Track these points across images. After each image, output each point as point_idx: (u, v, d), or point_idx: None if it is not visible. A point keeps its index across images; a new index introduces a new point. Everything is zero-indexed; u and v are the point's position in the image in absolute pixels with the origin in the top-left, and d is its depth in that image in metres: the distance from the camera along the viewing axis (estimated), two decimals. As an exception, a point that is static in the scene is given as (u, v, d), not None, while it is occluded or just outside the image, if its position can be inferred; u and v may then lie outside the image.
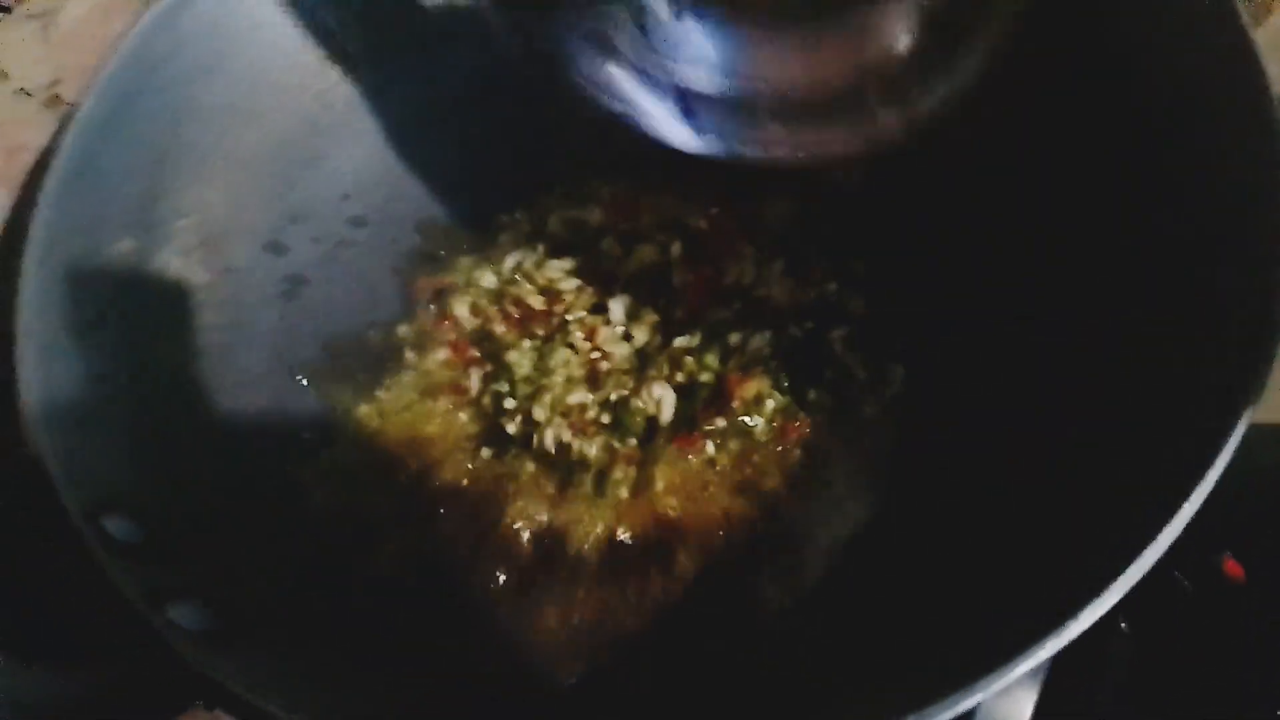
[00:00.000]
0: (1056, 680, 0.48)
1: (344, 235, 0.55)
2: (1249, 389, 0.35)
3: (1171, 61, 0.42)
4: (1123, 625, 0.52)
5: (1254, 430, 0.63)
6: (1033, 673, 0.46)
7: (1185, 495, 0.35)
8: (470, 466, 0.50)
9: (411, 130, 0.57)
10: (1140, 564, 0.34)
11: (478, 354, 0.53)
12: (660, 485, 0.48)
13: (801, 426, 0.50)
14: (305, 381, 0.51)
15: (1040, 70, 0.46)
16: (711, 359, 0.52)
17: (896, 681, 0.35)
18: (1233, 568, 0.51)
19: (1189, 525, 0.53)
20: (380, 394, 0.53)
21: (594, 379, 0.51)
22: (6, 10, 0.55)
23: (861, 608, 0.43)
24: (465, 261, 0.57)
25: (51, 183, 0.45)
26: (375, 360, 0.54)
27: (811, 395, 0.50)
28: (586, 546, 0.47)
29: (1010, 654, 0.32)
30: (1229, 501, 0.57)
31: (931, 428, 0.48)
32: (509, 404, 0.51)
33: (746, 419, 0.49)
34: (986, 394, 0.47)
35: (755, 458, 0.49)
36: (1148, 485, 0.36)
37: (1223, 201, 0.40)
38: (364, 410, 0.52)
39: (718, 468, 0.49)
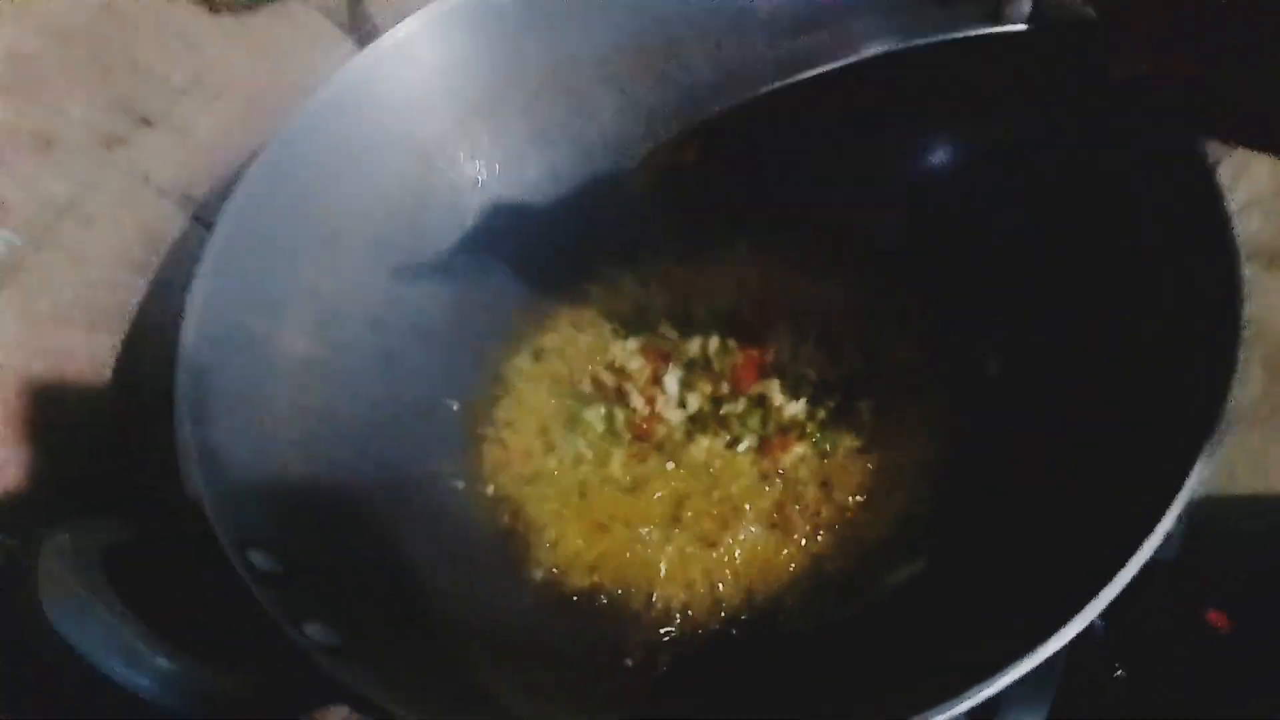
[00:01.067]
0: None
1: (435, 315, 0.63)
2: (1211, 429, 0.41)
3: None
4: (1119, 671, 0.57)
5: (1230, 500, 0.70)
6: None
7: (1156, 521, 0.40)
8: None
9: (498, 224, 0.66)
10: (1127, 570, 0.39)
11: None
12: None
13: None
14: (402, 443, 0.59)
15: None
16: (754, 423, 0.59)
17: (902, 684, 0.41)
18: (1217, 619, 0.56)
19: (1179, 582, 0.59)
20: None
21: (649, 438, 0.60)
22: (150, 123, 0.64)
23: (873, 619, 0.51)
24: (545, 340, 0.66)
25: (203, 270, 0.53)
26: (467, 430, 0.62)
27: (845, 449, 0.58)
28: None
29: (1002, 664, 0.38)
30: (1214, 562, 0.63)
31: (955, 474, 0.56)
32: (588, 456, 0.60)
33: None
34: (994, 443, 0.54)
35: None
36: (1128, 514, 0.41)
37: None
38: (456, 468, 0.60)
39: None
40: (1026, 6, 0.54)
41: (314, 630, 0.42)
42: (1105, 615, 0.57)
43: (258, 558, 0.45)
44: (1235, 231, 0.46)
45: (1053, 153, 0.55)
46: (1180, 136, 0.48)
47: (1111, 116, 0.48)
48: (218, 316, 0.53)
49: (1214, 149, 0.51)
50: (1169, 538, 0.64)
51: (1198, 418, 0.42)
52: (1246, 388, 0.83)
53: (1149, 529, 0.39)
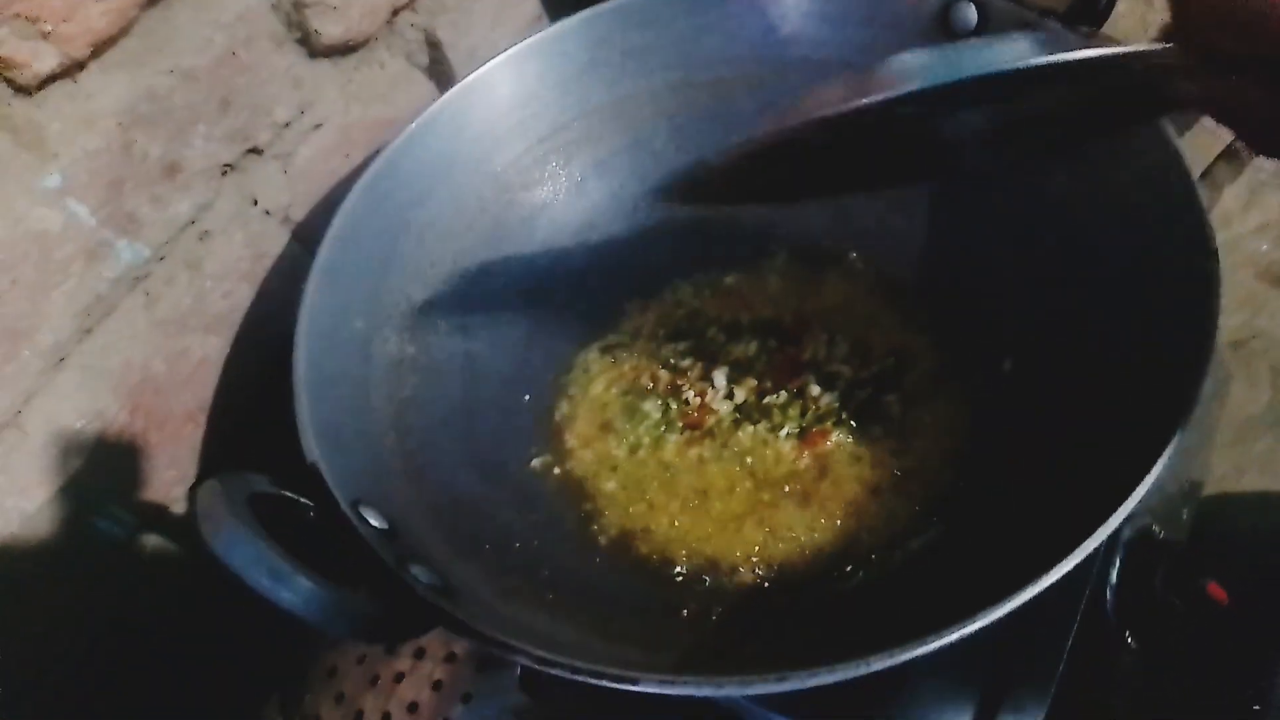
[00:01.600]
0: (1069, 691, 0.59)
1: (511, 320, 0.71)
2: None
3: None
4: (1130, 641, 0.63)
5: (1239, 498, 0.75)
6: (1043, 684, 0.58)
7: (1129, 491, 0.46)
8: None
9: (565, 241, 0.74)
10: (1107, 527, 0.44)
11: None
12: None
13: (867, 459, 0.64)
14: (483, 427, 0.67)
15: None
16: (794, 412, 0.67)
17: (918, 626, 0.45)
18: (1216, 591, 0.62)
19: (1187, 561, 0.65)
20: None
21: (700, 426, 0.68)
22: (259, 152, 0.72)
23: (897, 576, 0.58)
24: (608, 341, 0.74)
25: (312, 280, 0.61)
26: (538, 420, 0.70)
27: (876, 436, 0.65)
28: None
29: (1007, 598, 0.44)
30: (1220, 547, 0.69)
31: (970, 456, 0.63)
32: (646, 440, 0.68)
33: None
34: (1005, 429, 0.61)
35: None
36: (1111, 486, 0.46)
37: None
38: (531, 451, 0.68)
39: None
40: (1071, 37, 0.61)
41: (417, 571, 0.50)
42: (1115, 588, 0.63)
43: (368, 514, 0.52)
44: (1212, 243, 0.52)
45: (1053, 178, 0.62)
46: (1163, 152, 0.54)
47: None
48: (326, 316, 0.61)
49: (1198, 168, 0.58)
50: (1179, 521, 0.70)
51: (1173, 406, 0.47)
52: (1257, 396, 0.89)
53: (1123, 499, 0.45)
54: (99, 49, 0.58)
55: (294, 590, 0.43)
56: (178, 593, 0.68)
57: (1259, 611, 0.63)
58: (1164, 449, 0.47)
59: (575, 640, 0.52)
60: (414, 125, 0.68)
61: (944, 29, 0.65)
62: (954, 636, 0.43)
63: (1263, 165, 0.91)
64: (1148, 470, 0.45)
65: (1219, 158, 0.79)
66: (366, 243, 0.65)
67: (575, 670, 0.44)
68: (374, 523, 0.52)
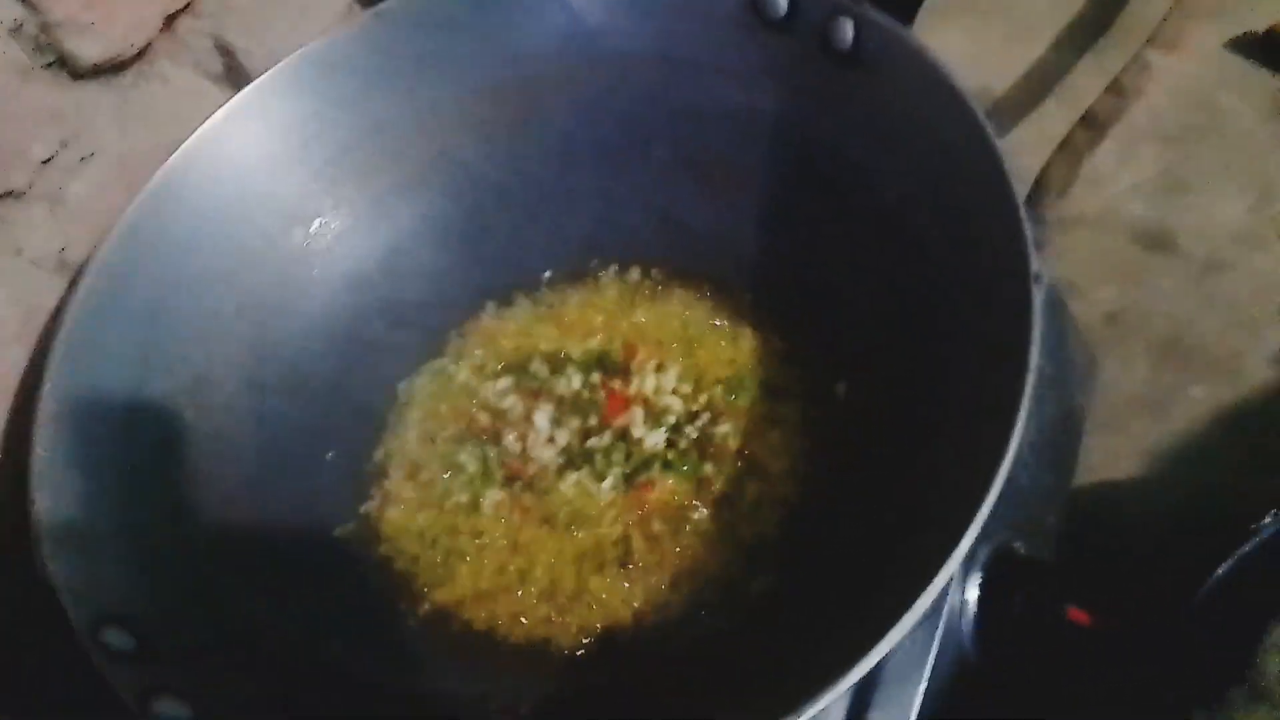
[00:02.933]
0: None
1: (313, 368, 0.64)
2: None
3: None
4: (991, 670, 0.59)
5: (1114, 486, 0.71)
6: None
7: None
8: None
9: (369, 273, 0.68)
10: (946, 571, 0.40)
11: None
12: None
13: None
14: (279, 498, 0.60)
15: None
16: (619, 456, 0.61)
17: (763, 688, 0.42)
18: (1077, 615, 0.58)
19: (1045, 584, 0.61)
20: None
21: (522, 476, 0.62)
22: (16, 197, 0.64)
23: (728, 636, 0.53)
24: (421, 385, 0.68)
25: (55, 353, 0.54)
26: (343, 479, 0.64)
27: (705, 477, 0.60)
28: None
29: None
30: (1092, 558, 0.65)
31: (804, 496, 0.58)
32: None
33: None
34: (839, 466, 0.57)
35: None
36: (950, 520, 0.42)
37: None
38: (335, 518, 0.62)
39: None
40: (849, 33, 0.56)
41: (164, 706, 0.44)
42: (975, 615, 0.59)
43: (112, 635, 0.46)
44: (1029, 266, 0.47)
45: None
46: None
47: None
48: (79, 391, 0.54)
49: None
50: (1043, 529, 0.66)
51: (995, 438, 0.43)
52: (1131, 375, 0.85)
53: (964, 530, 0.41)
54: None
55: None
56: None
57: (1128, 633, 0.59)
58: (995, 476, 0.42)
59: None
60: (175, 158, 0.60)
61: (755, 15, 0.59)
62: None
63: (1139, 118, 0.87)
64: (980, 503, 0.41)
65: (1079, 124, 0.74)
66: (127, 304, 0.58)
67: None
68: (118, 646, 0.45)
